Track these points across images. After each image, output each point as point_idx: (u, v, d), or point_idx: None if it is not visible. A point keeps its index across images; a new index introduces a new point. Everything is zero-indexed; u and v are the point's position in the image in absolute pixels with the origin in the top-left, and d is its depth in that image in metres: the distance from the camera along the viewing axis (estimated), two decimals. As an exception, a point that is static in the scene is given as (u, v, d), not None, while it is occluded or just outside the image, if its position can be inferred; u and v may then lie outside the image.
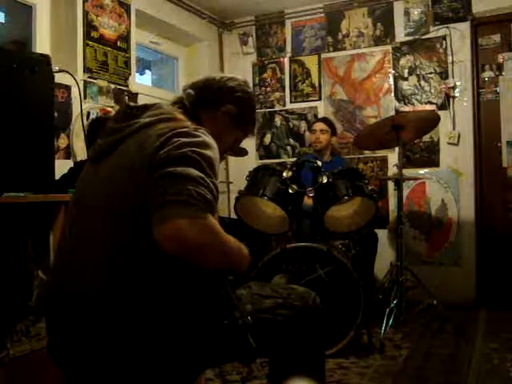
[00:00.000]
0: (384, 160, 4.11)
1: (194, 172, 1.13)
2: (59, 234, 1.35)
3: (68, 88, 2.98)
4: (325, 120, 3.83)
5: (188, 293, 1.21)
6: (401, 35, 4.05)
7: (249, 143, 4.32)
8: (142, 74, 4.27)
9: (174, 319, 1.19)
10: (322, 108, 4.34)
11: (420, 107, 3.97)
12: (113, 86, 3.35)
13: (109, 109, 3.21)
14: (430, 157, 3.97)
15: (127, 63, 3.50)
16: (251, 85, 4.59)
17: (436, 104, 3.94)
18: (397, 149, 3.36)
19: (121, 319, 1.15)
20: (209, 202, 1.11)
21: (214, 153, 1.21)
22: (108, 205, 1.21)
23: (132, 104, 1.38)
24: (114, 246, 1.18)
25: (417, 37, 3.99)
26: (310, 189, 2.73)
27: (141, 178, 1.15)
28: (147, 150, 1.18)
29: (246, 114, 1.51)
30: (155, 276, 1.16)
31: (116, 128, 1.32)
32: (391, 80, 4.10)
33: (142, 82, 4.09)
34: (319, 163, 2.76)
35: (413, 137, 3.33)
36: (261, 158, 4.56)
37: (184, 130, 1.22)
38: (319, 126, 3.72)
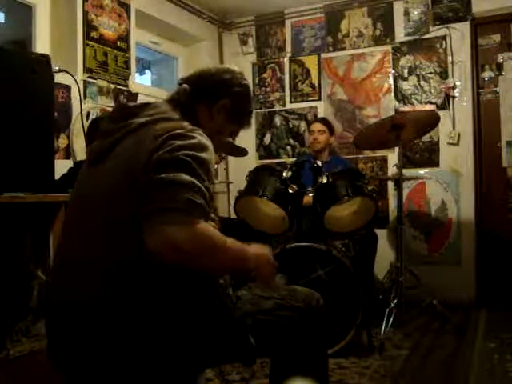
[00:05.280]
0: (384, 160, 4.11)
1: (185, 177, 1.11)
2: (59, 235, 1.35)
3: (68, 88, 2.98)
4: (322, 120, 3.83)
5: (184, 295, 1.21)
6: (401, 35, 4.05)
7: (249, 143, 4.32)
8: (141, 74, 4.26)
9: (171, 322, 1.18)
10: (322, 108, 4.34)
11: (420, 107, 3.97)
12: (113, 85, 3.35)
13: (109, 109, 3.21)
14: (430, 157, 3.96)
15: (127, 63, 3.50)
16: (251, 85, 4.59)
17: (436, 104, 3.93)
18: (397, 149, 3.37)
19: (118, 323, 1.15)
20: (200, 207, 1.10)
21: (208, 154, 1.20)
22: (106, 208, 1.20)
23: (128, 103, 1.37)
24: (111, 250, 1.17)
25: (417, 37, 3.99)
26: (310, 189, 2.73)
27: (138, 183, 1.14)
28: (143, 152, 1.17)
29: (241, 108, 1.50)
30: (151, 279, 1.16)
31: (112, 129, 1.30)
32: (391, 80, 4.10)
33: (141, 82, 4.09)
34: (319, 163, 2.76)
35: (413, 137, 3.32)
36: (261, 158, 4.56)
37: (179, 131, 1.20)
38: (317, 126, 3.72)
